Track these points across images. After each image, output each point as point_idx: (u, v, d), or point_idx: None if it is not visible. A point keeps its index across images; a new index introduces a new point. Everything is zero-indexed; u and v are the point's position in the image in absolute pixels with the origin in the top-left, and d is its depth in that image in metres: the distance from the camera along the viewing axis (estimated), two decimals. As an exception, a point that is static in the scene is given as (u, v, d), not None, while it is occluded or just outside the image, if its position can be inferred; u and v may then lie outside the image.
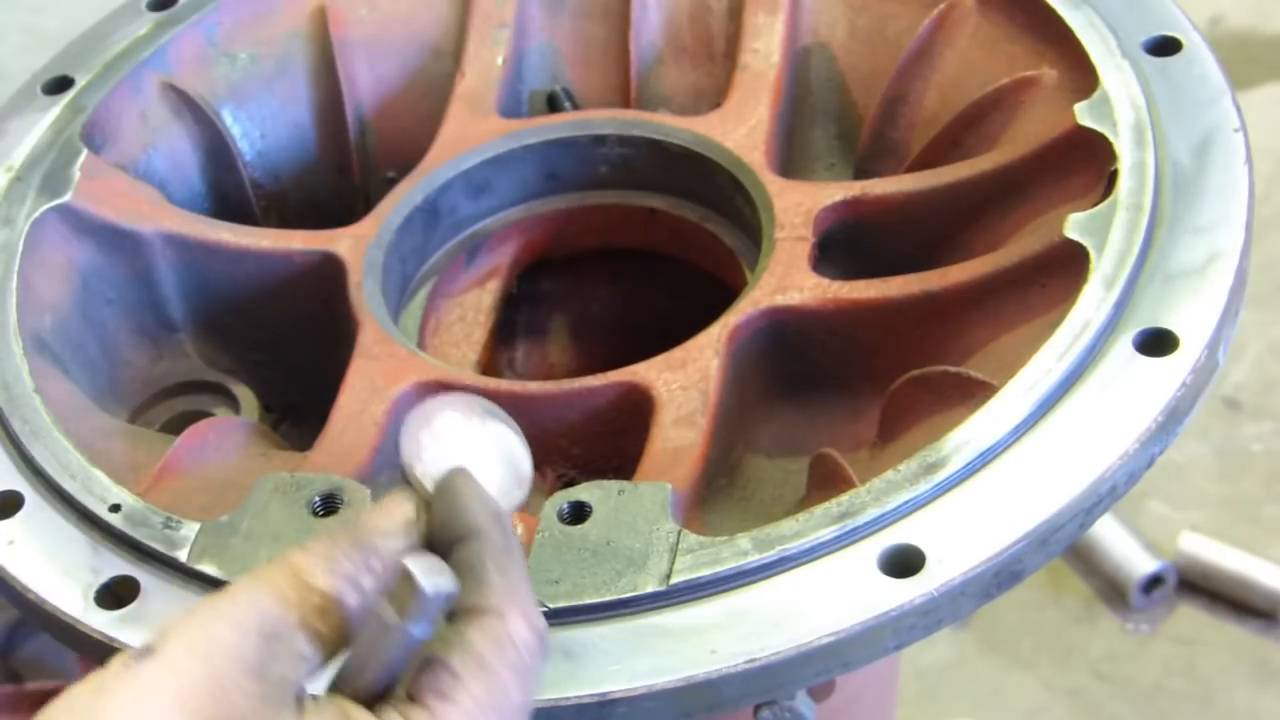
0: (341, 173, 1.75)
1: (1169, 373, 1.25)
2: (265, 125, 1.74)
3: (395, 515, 1.09)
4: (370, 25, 1.75)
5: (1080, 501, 1.19)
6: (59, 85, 1.68)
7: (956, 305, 1.40)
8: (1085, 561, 2.91)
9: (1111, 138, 1.40)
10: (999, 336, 1.38)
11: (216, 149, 1.70)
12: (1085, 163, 1.42)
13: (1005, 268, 1.39)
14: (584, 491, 1.25)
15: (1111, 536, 2.88)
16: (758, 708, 1.19)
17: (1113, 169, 1.39)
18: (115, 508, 1.31)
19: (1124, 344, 1.28)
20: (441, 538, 1.09)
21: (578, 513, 1.24)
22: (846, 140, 1.68)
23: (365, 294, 1.50)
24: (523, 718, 1.05)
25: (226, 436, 1.45)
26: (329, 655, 1.04)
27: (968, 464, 1.21)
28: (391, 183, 1.64)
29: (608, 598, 1.18)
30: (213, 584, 1.24)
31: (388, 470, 1.37)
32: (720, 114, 1.61)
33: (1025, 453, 1.22)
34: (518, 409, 1.24)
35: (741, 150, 1.57)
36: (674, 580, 1.18)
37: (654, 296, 1.71)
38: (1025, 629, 2.87)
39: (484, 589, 1.06)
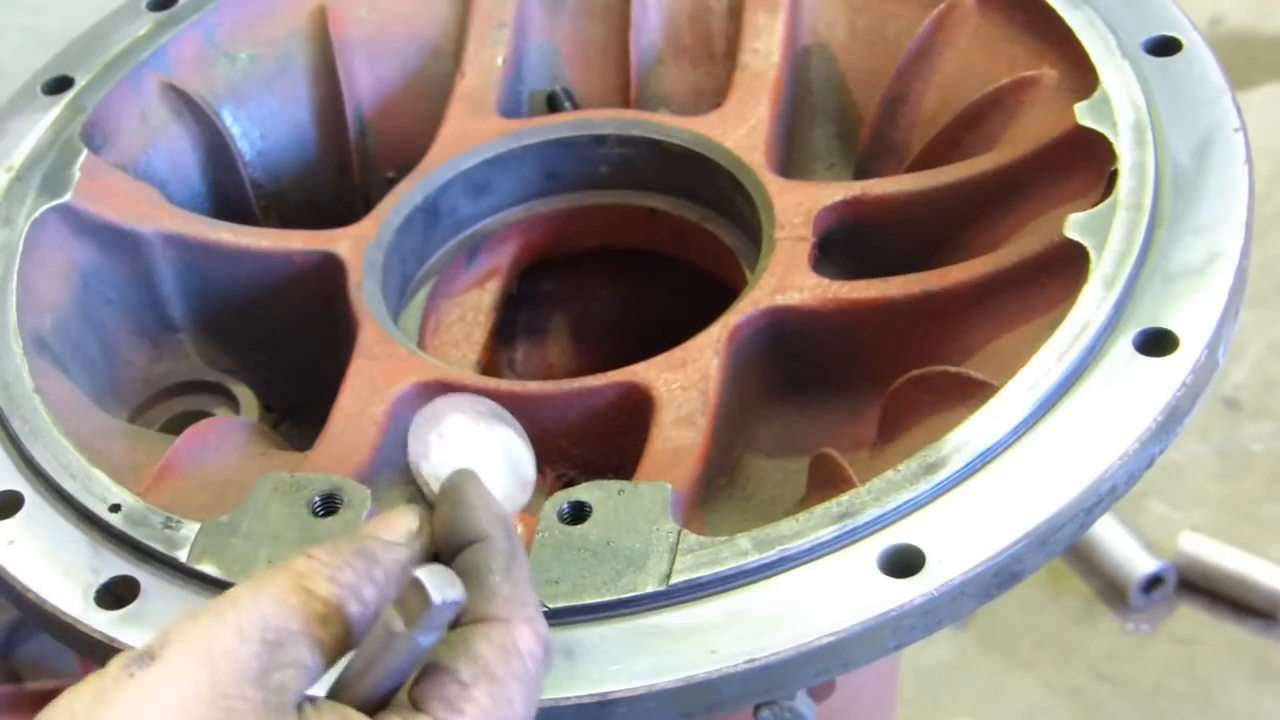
0: (341, 173, 1.75)
1: (1169, 373, 1.25)
2: (265, 125, 1.74)
3: (398, 526, 1.09)
4: (370, 25, 1.75)
5: (1080, 501, 1.19)
6: (59, 85, 1.68)
7: (956, 305, 1.40)
8: (1085, 561, 2.91)
9: (1111, 138, 1.40)
10: (999, 336, 1.38)
11: (216, 149, 1.70)
12: (1085, 163, 1.42)
13: (1005, 268, 1.39)
14: (584, 491, 1.25)
15: (1111, 536, 2.88)
16: (758, 708, 1.20)
17: (1113, 169, 1.39)
18: (115, 508, 1.31)
19: (1124, 344, 1.28)
20: (447, 541, 1.08)
21: (578, 513, 1.24)
22: (846, 140, 1.68)
23: (365, 294, 1.50)
24: None
25: (226, 436, 1.45)
26: (329, 663, 1.04)
27: (968, 464, 1.21)
28: (391, 183, 1.64)
29: (608, 598, 1.18)
30: (213, 584, 1.24)
31: (388, 470, 1.37)
32: (720, 114, 1.61)
33: (1025, 453, 1.22)
34: (518, 409, 1.24)
35: (741, 150, 1.57)
36: (674, 580, 1.18)
37: (654, 296, 1.71)
38: (1025, 629, 2.87)
39: (491, 597, 1.06)
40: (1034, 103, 1.52)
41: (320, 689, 1.04)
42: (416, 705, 1.03)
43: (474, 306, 1.62)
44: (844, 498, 1.21)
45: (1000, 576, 1.17)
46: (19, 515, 1.33)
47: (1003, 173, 1.48)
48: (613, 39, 1.75)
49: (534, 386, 1.43)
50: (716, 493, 1.39)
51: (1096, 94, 1.44)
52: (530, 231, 1.66)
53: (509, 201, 1.65)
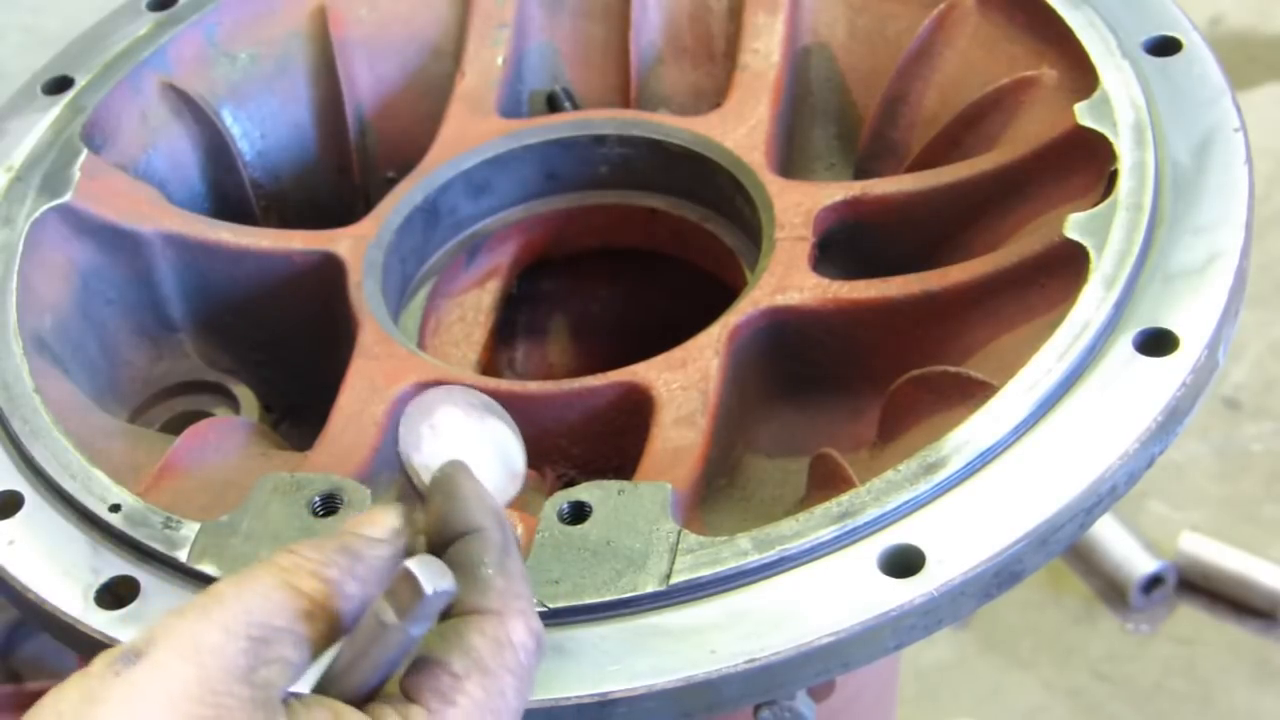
0: (341, 173, 1.75)
1: (1169, 373, 1.25)
2: (265, 125, 1.74)
3: (381, 523, 1.09)
4: (370, 25, 1.75)
5: (1080, 501, 1.19)
6: (59, 85, 1.68)
7: (956, 305, 1.40)
8: (1085, 561, 2.91)
9: (1111, 138, 1.40)
10: (999, 336, 1.38)
11: (216, 149, 1.70)
12: (1085, 163, 1.42)
13: (1005, 268, 1.39)
14: (584, 491, 1.25)
15: (1111, 536, 2.88)
16: (758, 708, 1.19)
17: (1113, 169, 1.39)
18: (115, 508, 1.31)
19: (1124, 344, 1.28)
20: (440, 533, 1.08)
21: (578, 513, 1.24)
22: (846, 140, 1.68)
23: (365, 294, 1.50)
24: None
25: (226, 436, 1.45)
26: (313, 659, 1.04)
27: (968, 464, 1.21)
28: (391, 183, 1.64)
29: (608, 598, 1.18)
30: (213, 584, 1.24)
31: (388, 470, 1.37)
32: (720, 114, 1.61)
33: (1025, 453, 1.22)
34: (518, 409, 1.24)
35: (741, 150, 1.57)
36: (674, 580, 1.18)
37: (654, 296, 1.71)
38: (1025, 629, 2.87)
39: (484, 589, 1.06)
40: (1034, 103, 1.52)
41: (304, 685, 1.04)
42: (409, 696, 1.03)
43: (474, 306, 1.62)
44: (844, 498, 1.21)
45: (1000, 576, 1.17)
46: (19, 515, 1.33)
47: (1003, 173, 1.48)
48: (613, 39, 1.75)
49: (534, 386, 1.43)
50: (716, 493, 1.39)
51: (1096, 94, 1.44)
52: (530, 231, 1.66)
53: (509, 201, 1.65)
